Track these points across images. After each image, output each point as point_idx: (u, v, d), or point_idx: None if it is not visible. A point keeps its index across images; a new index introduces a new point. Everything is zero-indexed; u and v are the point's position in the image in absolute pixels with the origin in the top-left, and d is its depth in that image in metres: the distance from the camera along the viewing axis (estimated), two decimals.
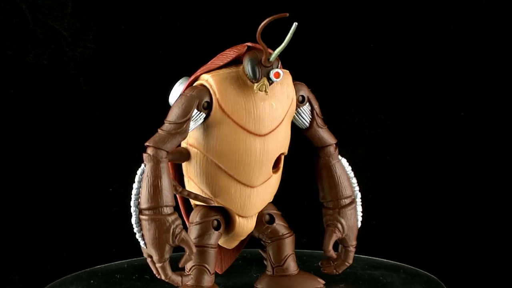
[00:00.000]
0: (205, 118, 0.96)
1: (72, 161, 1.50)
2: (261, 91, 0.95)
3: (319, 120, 1.04)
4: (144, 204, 0.93)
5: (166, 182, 0.93)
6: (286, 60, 0.98)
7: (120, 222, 1.39)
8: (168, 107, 1.02)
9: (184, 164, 1.00)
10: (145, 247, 0.94)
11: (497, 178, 1.52)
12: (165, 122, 0.95)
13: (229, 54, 0.98)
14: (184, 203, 1.04)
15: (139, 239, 0.94)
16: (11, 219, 1.50)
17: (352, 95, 1.52)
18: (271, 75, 0.95)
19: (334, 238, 1.04)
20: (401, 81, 1.52)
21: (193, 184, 1.00)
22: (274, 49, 0.94)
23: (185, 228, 0.97)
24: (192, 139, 0.98)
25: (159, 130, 0.95)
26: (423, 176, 1.53)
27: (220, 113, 0.95)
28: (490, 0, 1.49)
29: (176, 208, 0.95)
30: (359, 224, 1.07)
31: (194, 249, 0.94)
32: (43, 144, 1.49)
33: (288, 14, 0.91)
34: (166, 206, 0.93)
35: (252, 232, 1.04)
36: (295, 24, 0.91)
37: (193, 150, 0.98)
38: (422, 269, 1.15)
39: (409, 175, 1.54)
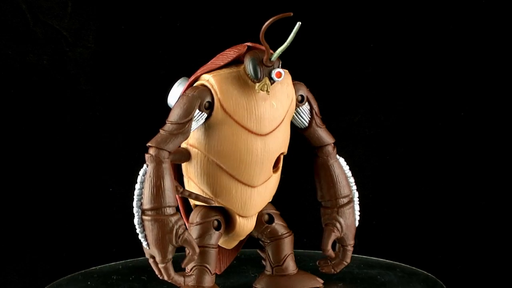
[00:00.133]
0: (206, 118, 0.96)
1: (72, 161, 1.50)
2: (262, 90, 0.95)
3: (317, 120, 1.04)
4: (146, 205, 0.92)
5: (168, 183, 0.93)
6: (286, 60, 0.97)
7: (120, 222, 1.39)
8: (167, 107, 1.02)
9: (184, 165, 1.00)
10: (147, 248, 0.93)
11: (497, 178, 1.52)
12: (166, 122, 0.95)
13: (230, 54, 0.98)
14: (183, 204, 1.04)
15: (142, 240, 0.93)
16: (11, 219, 1.50)
17: (352, 95, 1.52)
18: (273, 74, 0.95)
19: (333, 237, 1.04)
20: (401, 81, 1.52)
21: (193, 184, 1.00)
22: (274, 49, 0.95)
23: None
24: (192, 139, 0.97)
25: (160, 131, 0.95)
26: (423, 176, 1.53)
27: (221, 113, 0.95)
28: (490, 0, 1.49)
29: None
30: (357, 223, 1.07)
31: (197, 250, 0.94)
32: (43, 144, 1.49)
33: (292, 14, 0.91)
34: (169, 206, 0.93)
35: (251, 232, 1.04)
36: (298, 24, 0.91)
37: (193, 151, 0.98)
38: (423, 269, 1.15)
39: (409, 175, 1.54)
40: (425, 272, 1.13)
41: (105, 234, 1.51)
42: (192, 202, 1.02)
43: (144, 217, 0.92)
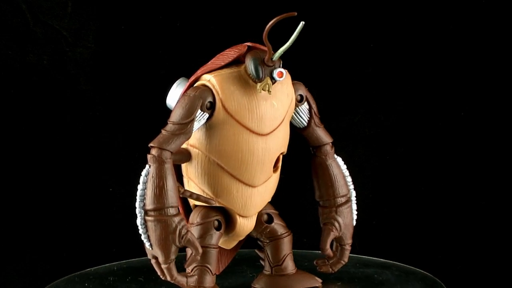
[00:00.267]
0: (208, 119, 0.96)
1: (72, 161, 1.50)
2: (264, 90, 0.95)
3: (316, 119, 1.04)
4: (149, 205, 0.92)
5: (171, 183, 0.93)
6: (285, 60, 0.97)
7: (120, 222, 1.39)
8: (167, 107, 1.02)
9: (184, 165, 1.00)
10: (150, 249, 0.93)
11: (497, 178, 1.52)
12: (168, 122, 0.95)
13: (230, 54, 0.98)
14: (182, 204, 1.04)
15: (145, 241, 0.93)
16: (11, 219, 1.50)
17: (352, 95, 1.52)
18: (275, 74, 0.95)
19: (331, 236, 1.04)
20: (401, 81, 1.52)
21: (193, 184, 0.99)
22: (274, 49, 0.94)
23: None
24: (193, 139, 0.97)
25: (162, 131, 0.94)
26: (423, 176, 1.53)
27: (223, 113, 0.95)
28: (490, 0, 1.49)
29: None
30: (354, 223, 1.07)
31: (201, 250, 0.94)
32: (43, 144, 1.49)
33: (296, 13, 0.90)
34: (172, 207, 0.92)
35: (250, 232, 1.04)
36: (302, 24, 0.91)
37: (194, 151, 0.98)
38: (423, 269, 1.14)
39: (409, 175, 1.54)
40: (422, 271, 1.13)
41: (105, 234, 1.51)
42: (192, 202, 1.02)
43: (147, 217, 0.92)
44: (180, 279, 0.94)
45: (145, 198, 0.93)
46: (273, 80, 0.95)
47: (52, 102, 1.48)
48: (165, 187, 0.92)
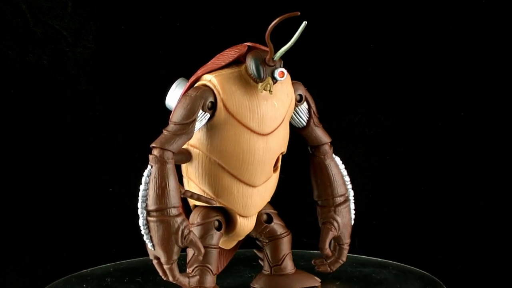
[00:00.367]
0: (209, 119, 0.96)
1: (72, 161, 1.50)
2: (265, 90, 0.95)
3: (315, 119, 1.04)
4: (151, 206, 0.92)
5: (173, 183, 0.93)
6: (285, 60, 0.97)
7: (120, 222, 1.39)
8: (167, 107, 1.02)
9: (184, 165, 1.00)
10: (152, 249, 0.93)
11: (497, 178, 1.52)
12: (169, 123, 0.95)
13: (230, 54, 0.98)
14: (182, 205, 1.04)
15: (147, 241, 0.93)
16: (11, 219, 1.50)
17: (352, 95, 1.52)
18: (276, 74, 0.95)
19: (330, 235, 1.05)
20: (400, 81, 1.52)
21: (193, 185, 0.99)
22: (274, 49, 0.94)
23: None
24: (193, 139, 0.97)
25: (164, 131, 0.94)
26: (423, 176, 1.53)
27: (224, 113, 0.95)
28: (490, 0, 1.49)
29: None
30: (352, 222, 1.07)
31: (203, 250, 0.94)
32: (43, 144, 1.49)
33: (299, 13, 0.90)
34: (174, 207, 0.92)
35: (249, 232, 1.04)
36: (304, 23, 0.91)
37: (194, 151, 0.98)
38: (423, 269, 1.15)
39: (409, 175, 1.54)
40: (419, 270, 1.13)
41: (105, 234, 1.51)
42: (192, 202, 1.02)
43: (149, 218, 0.92)
44: (182, 279, 0.94)
45: (147, 199, 0.93)
46: (274, 80, 0.95)
47: (52, 102, 1.48)
48: (167, 188, 0.92)
